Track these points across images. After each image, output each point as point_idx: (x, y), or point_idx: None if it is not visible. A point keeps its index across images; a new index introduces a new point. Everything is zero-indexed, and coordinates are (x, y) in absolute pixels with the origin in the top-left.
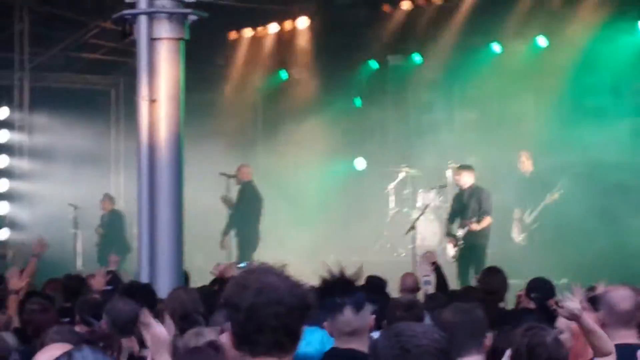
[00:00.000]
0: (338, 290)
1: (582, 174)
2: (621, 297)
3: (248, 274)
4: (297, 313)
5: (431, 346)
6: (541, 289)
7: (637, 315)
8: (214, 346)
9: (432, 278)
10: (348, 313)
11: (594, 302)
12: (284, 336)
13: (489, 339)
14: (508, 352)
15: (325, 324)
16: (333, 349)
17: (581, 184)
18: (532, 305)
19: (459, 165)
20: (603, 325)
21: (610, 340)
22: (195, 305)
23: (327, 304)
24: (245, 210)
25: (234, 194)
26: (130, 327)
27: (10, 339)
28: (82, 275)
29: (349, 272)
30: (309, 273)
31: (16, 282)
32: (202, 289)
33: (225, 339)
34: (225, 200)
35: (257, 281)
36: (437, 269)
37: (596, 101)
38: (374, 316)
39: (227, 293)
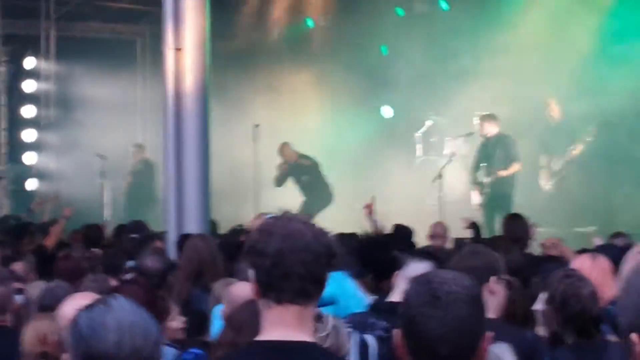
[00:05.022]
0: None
1: (611, 122)
2: None
3: (273, 221)
4: (323, 260)
5: (462, 293)
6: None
7: None
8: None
9: None
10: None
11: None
12: (310, 283)
13: (492, 283)
14: (542, 296)
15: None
16: (378, 301)
17: (609, 131)
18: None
19: (482, 115)
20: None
21: None
22: (212, 254)
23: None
24: (315, 192)
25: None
26: (159, 283)
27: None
28: (102, 225)
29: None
30: (338, 220)
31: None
32: (223, 239)
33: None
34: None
35: (283, 227)
36: (475, 227)
37: (627, 47)
38: None
39: (251, 240)
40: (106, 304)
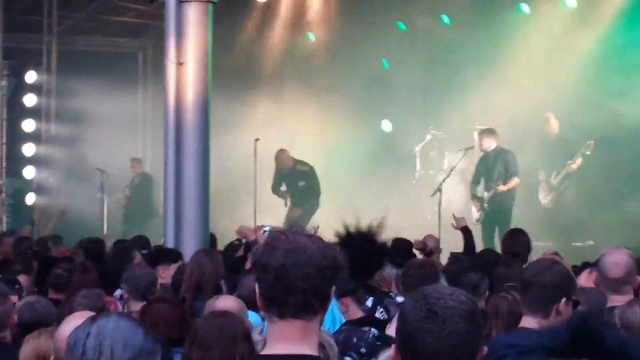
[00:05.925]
0: (360, 243)
1: (610, 136)
2: (614, 263)
3: (278, 236)
4: (327, 274)
5: (458, 308)
6: None
7: (631, 279)
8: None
9: None
10: None
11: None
12: (313, 298)
13: (563, 304)
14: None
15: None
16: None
17: (609, 146)
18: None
19: (481, 129)
20: (597, 285)
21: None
22: (217, 269)
23: None
24: (306, 196)
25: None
26: (150, 291)
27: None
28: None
29: (372, 225)
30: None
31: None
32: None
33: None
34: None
35: (287, 242)
36: (467, 233)
37: (626, 62)
38: None
39: (257, 254)
40: (95, 318)
